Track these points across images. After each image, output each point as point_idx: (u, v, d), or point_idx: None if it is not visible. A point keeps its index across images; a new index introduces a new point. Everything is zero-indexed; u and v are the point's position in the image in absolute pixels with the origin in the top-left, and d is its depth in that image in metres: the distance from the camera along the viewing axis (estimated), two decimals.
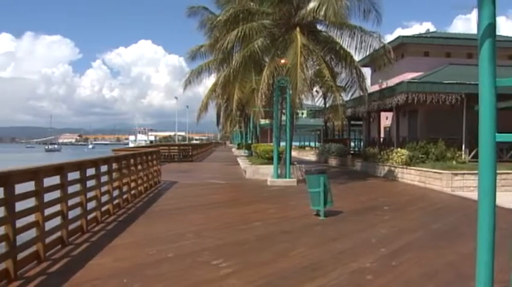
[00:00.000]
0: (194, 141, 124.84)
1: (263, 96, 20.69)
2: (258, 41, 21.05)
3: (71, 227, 9.12)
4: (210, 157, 53.43)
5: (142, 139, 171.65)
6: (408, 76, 27.25)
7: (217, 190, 19.28)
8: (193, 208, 14.16)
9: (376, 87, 29.56)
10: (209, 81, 36.54)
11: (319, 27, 23.01)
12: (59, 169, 8.58)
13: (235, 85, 26.41)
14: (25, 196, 7.18)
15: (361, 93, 23.20)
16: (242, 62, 21.12)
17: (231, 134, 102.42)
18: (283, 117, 23.17)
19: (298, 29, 20.74)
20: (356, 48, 21.90)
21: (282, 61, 20.31)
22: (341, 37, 22.15)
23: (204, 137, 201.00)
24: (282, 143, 22.75)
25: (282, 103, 21.79)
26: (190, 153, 43.36)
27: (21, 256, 6.91)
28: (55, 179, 8.44)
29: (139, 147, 36.58)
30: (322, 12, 20.23)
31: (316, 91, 28.39)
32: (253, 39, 20.91)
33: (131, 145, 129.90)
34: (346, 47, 22.06)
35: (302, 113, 47.88)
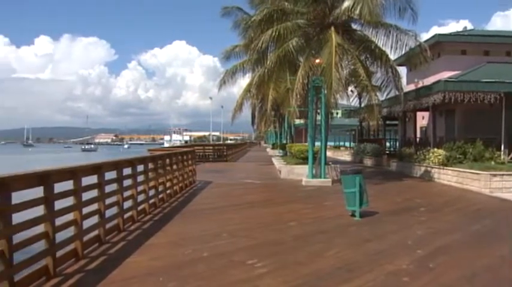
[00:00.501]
0: (228, 141, 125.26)
1: (298, 96, 20.63)
2: (293, 40, 21.00)
3: (108, 225, 9.26)
4: (245, 156, 53.52)
5: (177, 139, 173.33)
6: (445, 75, 26.82)
7: (252, 189, 19.30)
8: (228, 207, 14.21)
9: (412, 87, 29.20)
10: (244, 81, 36.55)
11: (354, 26, 22.82)
12: (97, 169, 8.71)
13: (270, 85, 26.43)
14: (64, 194, 7.30)
15: (397, 93, 22.95)
16: (277, 62, 21.08)
17: (266, 134, 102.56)
18: (318, 117, 23.07)
19: (332, 28, 20.58)
20: (391, 47, 21.67)
21: (317, 61, 20.21)
22: (376, 36, 21.95)
23: (238, 137, 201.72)
24: (317, 143, 22.65)
25: (317, 103, 21.68)
26: (224, 153, 43.55)
27: (60, 253, 7.05)
28: (92, 179, 8.57)
29: (175, 147, 36.88)
30: (357, 11, 20.10)
31: (351, 91, 28.16)
32: (287, 39, 20.87)
33: (166, 144, 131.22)
34: (381, 46, 21.84)
35: (337, 113, 47.66)
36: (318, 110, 22.40)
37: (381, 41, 21.81)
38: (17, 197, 5.90)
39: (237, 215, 12.77)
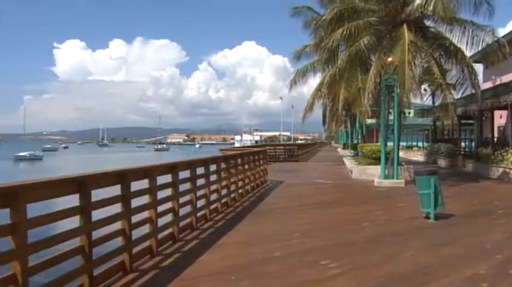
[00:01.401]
0: (299, 141, 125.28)
1: (370, 96, 20.36)
2: (364, 39, 20.72)
3: (182, 224, 9.43)
4: (315, 156, 53.30)
5: (247, 139, 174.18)
6: None
7: (324, 189, 19.23)
8: (300, 207, 14.21)
9: (489, 84, 28.22)
10: (314, 81, 36.37)
11: (427, 23, 22.25)
12: (171, 168, 8.91)
13: (341, 84, 26.24)
14: (140, 193, 7.51)
15: (473, 91, 22.17)
16: (348, 61, 20.87)
17: (336, 133, 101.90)
18: (390, 117, 22.66)
19: (405, 25, 20.15)
20: (467, 44, 20.95)
21: (389, 59, 19.88)
22: (451, 32, 21.27)
23: (308, 137, 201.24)
24: (389, 143, 22.27)
25: (389, 102, 21.31)
26: (295, 153, 43.53)
27: (136, 250, 7.26)
28: (167, 178, 8.76)
29: (246, 147, 37.18)
30: (430, 8, 19.59)
31: (425, 89, 27.50)
32: (358, 37, 20.63)
33: (237, 144, 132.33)
34: (456, 43, 21.19)
35: (409, 113, 46.68)
36: (390, 110, 22.02)
37: (456, 37, 21.12)
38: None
39: (308, 215, 12.74)
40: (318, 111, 47.53)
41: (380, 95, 20.94)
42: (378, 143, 27.60)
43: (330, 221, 11.78)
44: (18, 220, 4.68)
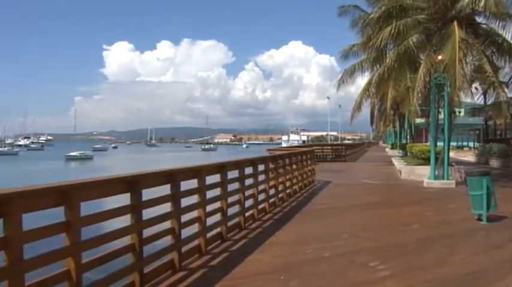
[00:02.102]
0: (346, 141, 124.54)
1: (419, 95, 20.00)
2: (413, 37, 20.40)
3: (230, 223, 9.49)
4: (363, 157, 52.75)
5: (294, 139, 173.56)
6: None
7: (372, 190, 19.06)
8: (348, 207, 14.14)
9: None
10: (362, 80, 35.93)
11: (478, 19, 21.74)
12: (220, 168, 8.97)
13: (389, 84, 25.91)
14: (189, 192, 7.59)
15: None
16: (396, 60, 20.56)
17: (384, 133, 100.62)
18: (440, 116, 22.22)
19: (455, 22, 19.70)
20: None
21: (439, 57, 19.48)
22: (503, 29, 20.72)
23: (356, 137, 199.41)
24: (439, 143, 21.83)
25: (439, 101, 20.90)
26: (343, 153, 43.25)
27: (185, 248, 7.34)
28: (216, 177, 8.82)
29: (293, 147, 37.15)
30: (481, 3, 19.09)
31: (476, 88, 26.87)
32: (407, 35, 20.31)
33: (284, 144, 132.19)
34: (509, 39, 20.62)
35: (460, 112, 45.68)
36: (440, 109, 21.61)
37: (509, 33, 20.57)
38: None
39: (357, 215, 12.67)
40: (365, 111, 47.14)
41: (429, 94, 20.56)
42: (427, 143, 27.15)
43: (378, 222, 11.67)
44: (73, 218, 4.80)
